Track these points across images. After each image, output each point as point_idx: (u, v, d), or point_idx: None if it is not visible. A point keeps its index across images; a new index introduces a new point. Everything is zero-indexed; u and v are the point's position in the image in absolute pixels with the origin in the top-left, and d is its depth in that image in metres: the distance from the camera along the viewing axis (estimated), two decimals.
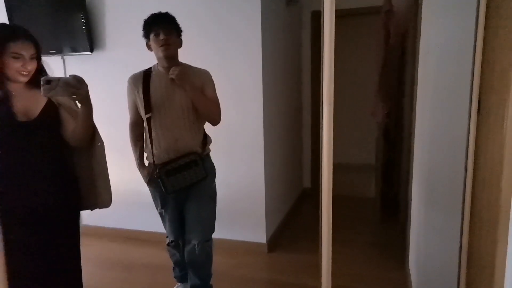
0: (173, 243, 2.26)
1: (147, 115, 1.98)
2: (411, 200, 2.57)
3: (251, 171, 2.91)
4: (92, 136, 1.65)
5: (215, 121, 2.08)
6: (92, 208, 1.77)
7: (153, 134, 2.01)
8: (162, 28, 1.91)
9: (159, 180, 1.97)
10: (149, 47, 2.00)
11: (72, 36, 2.99)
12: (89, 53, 3.01)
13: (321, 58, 0.90)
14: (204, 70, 2.09)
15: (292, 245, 3.11)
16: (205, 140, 2.13)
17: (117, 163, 2.51)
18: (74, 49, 3.03)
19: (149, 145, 2.04)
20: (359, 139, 5.23)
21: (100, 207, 1.77)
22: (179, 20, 2.01)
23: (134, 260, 2.93)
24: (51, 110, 1.57)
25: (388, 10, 3.03)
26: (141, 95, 1.99)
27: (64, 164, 1.66)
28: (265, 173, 2.91)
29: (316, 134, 4.20)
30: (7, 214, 1.50)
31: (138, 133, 2.13)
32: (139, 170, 2.13)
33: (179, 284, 2.44)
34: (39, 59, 1.54)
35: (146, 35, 1.97)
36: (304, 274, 2.65)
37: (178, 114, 1.98)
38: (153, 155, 2.04)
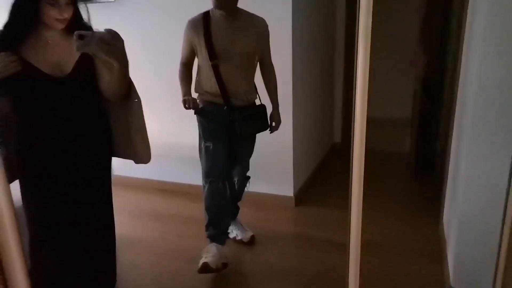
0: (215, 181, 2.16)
1: (213, 62, 2.02)
2: (449, 156, 2.42)
3: None
4: (128, 92, 1.61)
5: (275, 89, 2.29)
6: (130, 158, 1.75)
7: (218, 79, 2.05)
8: None
9: (236, 122, 2.09)
10: None
11: None
12: (112, 0, 2.92)
13: (357, 3, 0.76)
14: (261, 18, 2.11)
15: (320, 200, 3.06)
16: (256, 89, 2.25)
17: (150, 115, 2.48)
18: None
19: (212, 88, 2.10)
20: (395, 93, 4.96)
21: (137, 163, 1.75)
22: None
23: (164, 211, 3.00)
24: (86, 62, 1.52)
25: None
26: (203, 42, 2.01)
27: (99, 115, 1.65)
28: (293, 126, 2.81)
29: (349, 87, 4.01)
30: (40, 163, 1.53)
31: (189, 73, 2.20)
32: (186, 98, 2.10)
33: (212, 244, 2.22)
34: (75, 5, 1.49)
35: None
36: (331, 229, 2.62)
37: (237, 62, 2.05)
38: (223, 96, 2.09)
